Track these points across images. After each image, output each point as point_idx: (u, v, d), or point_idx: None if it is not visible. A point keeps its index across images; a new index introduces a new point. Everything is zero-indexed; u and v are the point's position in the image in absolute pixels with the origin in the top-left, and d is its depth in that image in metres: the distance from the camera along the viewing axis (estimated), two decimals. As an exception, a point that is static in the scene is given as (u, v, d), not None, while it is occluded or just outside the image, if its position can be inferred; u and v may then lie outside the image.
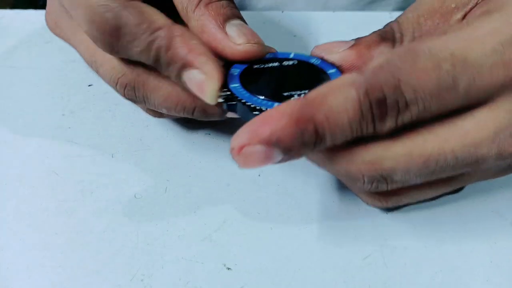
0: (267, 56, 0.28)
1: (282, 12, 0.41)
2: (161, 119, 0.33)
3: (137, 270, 0.25)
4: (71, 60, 0.37)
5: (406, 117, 0.22)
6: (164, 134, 0.32)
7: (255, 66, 0.27)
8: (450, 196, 0.28)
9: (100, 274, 0.25)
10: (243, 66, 0.27)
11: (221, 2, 0.27)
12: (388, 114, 0.22)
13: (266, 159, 0.21)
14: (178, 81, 0.26)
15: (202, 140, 0.32)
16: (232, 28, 0.26)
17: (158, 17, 0.26)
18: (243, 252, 0.26)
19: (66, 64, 0.37)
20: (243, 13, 0.28)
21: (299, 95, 0.25)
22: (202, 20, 0.26)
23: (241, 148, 0.21)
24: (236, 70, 0.26)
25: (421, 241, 0.27)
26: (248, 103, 0.25)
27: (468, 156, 0.23)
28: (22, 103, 0.34)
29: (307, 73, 0.26)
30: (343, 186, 0.29)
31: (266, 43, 0.28)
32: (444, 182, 0.25)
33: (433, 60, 0.22)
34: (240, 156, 0.21)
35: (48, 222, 0.28)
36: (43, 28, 0.40)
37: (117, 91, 0.29)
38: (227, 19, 0.26)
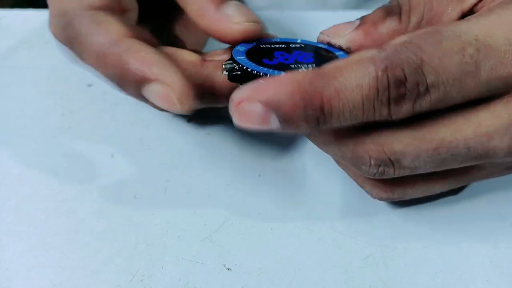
0: (274, 39, 0.27)
1: (282, 11, 0.41)
2: (162, 119, 0.33)
3: (137, 270, 0.25)
4: (71, 60, 0.37)
5: (424, 103, 0.21)
6: (164, 134, 0.32)
7: (262, 46, 0.26)
8: (450, 196, 0.28)
9: (100, 274, 0.25)
10: (250, 45, 0.26)
11: None
12: (406, 97, 0.21)
13: (262, 121, 0.21)
14: (141, 99, 0.25)
15: (202, 140, 0.32)
16: (230, 7, 0.25)
17: (112, 28, 0.25)
18: (243, 252, 0.26)
19: (66, 64, 0.37)
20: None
21: (306, 67, 0.24)
22: (199, 3, 0.25)
23: (240, 102, 0.21)
24: (242, 47, 0.26)
25: (421, 241, 0.27)
26: (254, 70, 0.24)
27: (480, 146, 0.22)
28: (22, 103, 0.34)
29: (315, 53, 0.26)
30: (343, 186, 0.29)
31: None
32: (452, 176, 0.25)
33: (458, 43, 0.21)
34: (237, 110, 0.21)
35: (48, 222, 0.28)
36: (43, 28, 0.40)
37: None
38: None
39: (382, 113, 0.21)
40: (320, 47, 0.26)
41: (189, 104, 0.24)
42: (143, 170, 0.30)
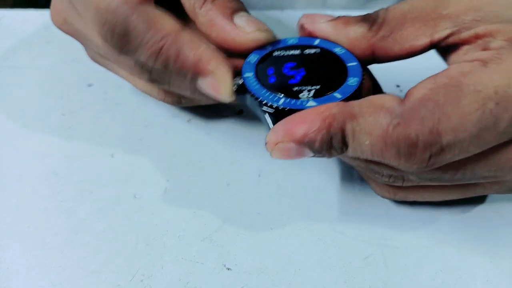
0: (291, 41, 0.27)
1: (282, 11, 0.41)
2: (162, 119, 0.33)
3: (137, 270, 0.25)
4: (71, 60, 0.37)
5: (439, 161, 0.22)
6: (164, 134, 0.32)
7: (275, 54, 0.26)
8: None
9: (100, 274, 0.25)
10: (263, 52, 0.26)
11: None
12: (417, 156, 0.21)
13: (298, 155, 0.22)
14: (191, 86, 0.26)
15: (202, 140, 0.32)
16: (241, 19, 0.26)
17: (166, 22, 0.26)
18: (243, 252, 0.26)
19: (66, 64, 0.37)
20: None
21: (309, 90, 0.24)
22: (210, 15, 0.26)
23: (275, 144, 0.22)
24: (255, 57, 0.26)
25: (421, 241, 0.27)
26: (256, 96, 0.25)
27: (487, 173, 0.23)
28: (22, 103, 0.34)
29: (325, 66, 0.26)
30: (343, 187, 0.29)
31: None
32: (456, 188, 0.26)
33: (478, 99, 0.21)
34: (274, 150, 0.23)
35: (48, 222, 0.28)
36: (43, 28, 0.40)
37: (138, 77, 0.29)
38: (234, 12, 0.26)
39: (392, 163, 0.22)
40: (335, 54, 0.26)
41: (231, 95, 0.26)
42: (143, 170, 0.30)
